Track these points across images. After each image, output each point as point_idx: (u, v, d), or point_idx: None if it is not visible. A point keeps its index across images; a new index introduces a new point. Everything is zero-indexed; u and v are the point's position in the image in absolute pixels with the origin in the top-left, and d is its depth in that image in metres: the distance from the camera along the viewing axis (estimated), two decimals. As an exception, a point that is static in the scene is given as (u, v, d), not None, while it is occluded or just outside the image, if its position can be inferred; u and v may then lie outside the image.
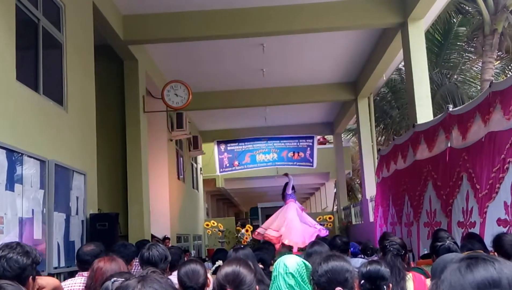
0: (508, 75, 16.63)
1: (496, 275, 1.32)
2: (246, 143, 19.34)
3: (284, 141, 19.42)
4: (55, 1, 6.97)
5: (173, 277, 3.36)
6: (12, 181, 5.19)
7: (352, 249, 6.81)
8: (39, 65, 6.36)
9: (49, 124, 6.40)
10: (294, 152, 19.41)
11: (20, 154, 5.41)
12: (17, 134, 5.51)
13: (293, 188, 14.71)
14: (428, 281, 3.81)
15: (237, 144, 19.32)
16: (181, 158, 16.09)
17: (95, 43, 8.32)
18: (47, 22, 6.63)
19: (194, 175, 18.97)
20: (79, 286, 3.74)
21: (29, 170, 5.60)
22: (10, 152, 5.18)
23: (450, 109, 6.88)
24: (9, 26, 5.52)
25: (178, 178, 15.27)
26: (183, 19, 9.78)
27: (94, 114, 8.11)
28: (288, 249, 12.23)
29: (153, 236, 10.86)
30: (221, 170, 19.46)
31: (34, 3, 6.33)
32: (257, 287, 2.72)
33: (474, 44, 17.68)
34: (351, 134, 24.54)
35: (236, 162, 19.28)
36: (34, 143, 5.86)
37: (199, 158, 19.88)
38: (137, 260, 4.58)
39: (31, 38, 6.39)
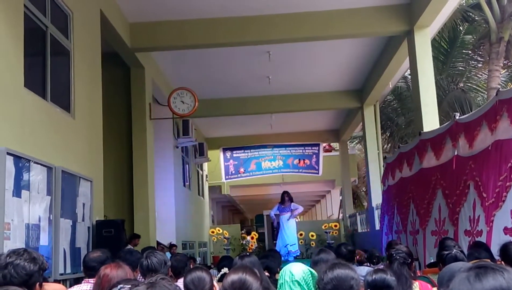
0: (515, 83, 16.60)
1: (506, 284, 1.31)
2: (252, 150, 19.36)
3: (290, 148, 19.42)
4: (63, 9, 7.02)
5: (179, 284, 3.36)
6: (19, 187, 5.21)
7: (357, 257, 6.79)
8: (46, 72, 6.40)
9: (56, 130, 6.43)
10: (299, 160, 19.40)
11: (27, 161, 5.43)
12: (24, 140, 5.54)
13: (290, 200, 14.41)
14: (434, 290, 3.79)
15: (242, 151, 19.34)
16: (187, 165, 16.10)
17: (102, 51, 8.36)
18: (55, 30, 6.67)
19: (200, 182, 18.98)
20: (86, 292, 3.74)
21: (36, 176, 5.62)
22: (17, 158, 5.20)
23: (457, 117, 6.86)
24: (18, 34, 5.56)
25: (184, 185, 15.28)
26: (189, 26, 9.82)
27: (100, 121, 8.14)
28: None
29: (158, 243, 10.86)
30: (227, 177, 19.47)
31: (42, 11, 6.38)
32: (263, 295, 2.72)
33: (481, 52, 17.66)
34: (357, 141, 24.52)
35: (242, 169, 19.28)
36: (41, 149, 5.88)
37: (205, 165, 19.90)
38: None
39: (39, 45, 6.44)
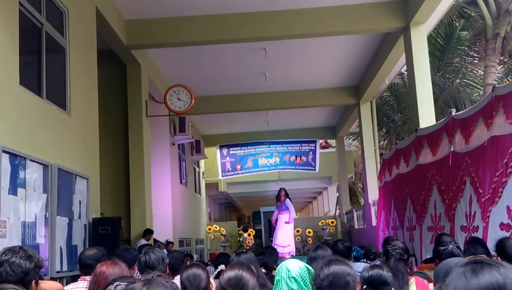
0: (511, 79, 16.62)
1: (502, 280, 1.31)
2: (248, 147, 19.35)
3: (287, 145, 19.43)
4: (59, 6, 6.99)
5: (176, 281, 3.36)
6: (15, 185, 5.20)
7: (354, 253, 6.80)
8: (42, 70, 6.38)
9: (52, 128, 6.41)
10: (296, 156, 19.40)
11: (23, 159, 5.42)
12: (20, 138, 5.53)
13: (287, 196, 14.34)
14: (431, 286, 3.80)
15: (239, 148, 19.33)
16: (184, 162, 16.09)
17: (98, 48, 8.34)
18: (51, 27, 6.65)
19: (197, 179, 18.97)
20: (82, 290, 3.74)
21: (32, 174, 5.61)
22: (13, 156, 5.19)
23: (453, 113, 6.87)
24: (13, 31, 5.54)
25: (181, 182, 15.27)
26: (185, 23, 9.80)
27: (97, 119, 8.12)
28: None
29: (155, 240, 10.85)
30: (224, 174, 19.46)
31: (38, 8, 6.36)
32: (259, 291, 2.72)
33: (477, 48, 17.66)
34: (354, 138, 24.53)
35: (239, 166, 19.28)
36: (37, 147, 5.87)
37: (202, 162, 19.89)
38: (140, 265, 4.57)
39: (34, 42, 6.42)
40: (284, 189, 14.44)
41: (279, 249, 13.11)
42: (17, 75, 5.57)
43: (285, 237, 13.71)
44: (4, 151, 5.00)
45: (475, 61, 18.76)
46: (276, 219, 14.13)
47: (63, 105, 6.90)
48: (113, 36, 9.29)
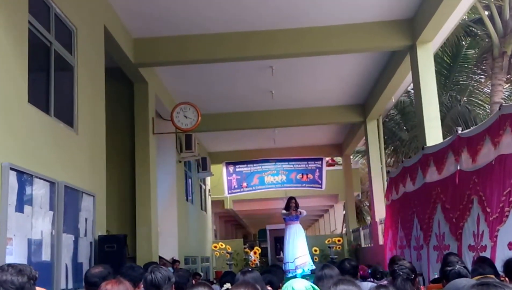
0: (518, 98, 16.58)
1: (507, 302, 1.31)
2: (254, 165, 19.33)
3: (293, 163, 19.40)
4: (67, 25, 7.06)
5: (181, 301, 3.35)
6: (21, 202, 5.21)
7: (361, 272, 6.75)
8: (50, 88, 6.43)
9: (59, 146, 6.44)
10: (303, 174, 19.36)
11: (30, 176, 5.43)
12: (27, 155, 5.55)
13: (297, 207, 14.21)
14: (438, 306, 3.76)
15: (245, 165, 19.31)
16: (190, 180, 16.09)
17: (106, 66, 8.40)
18: (59, 46, 6.71)
19: (203, 197, 18.95)
20: (87, 308, 3.73)
21: (39, 191, 5.62)
22: (20, 173, 5.21)
23: (460, 132, 6.85)
24: (22, 49, 5.60)
25: (187, 199, 15.26)
26: (192, 42, 9.87)
27: (104, 136, 8.15)
28: None
29: (161, 258, 10.81)
30: (230, 191, 19.42)
31: (47, 27, 6.42)
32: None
33: (483, 67, 17.69)
34: (360, 156, 24.48)
35: (245, 184, 19.24)
36: (44, 164, 5.89)
37: (208, 179, 19.88)
38: (145, 283, 4.54)
39: (43, 61, 6.47)
40: (294, 198, 14.29)
41: (297, 261, 12.92)
42: (26, 93, 5.61)
43: (304, 246, 13.52)
44: (11, 169, 5.02)
45: (482, 80, 18.76)
46: (288, 214, 13.89)
47: (70, 122, 6.93)
48: (120, 54, 9.37)
